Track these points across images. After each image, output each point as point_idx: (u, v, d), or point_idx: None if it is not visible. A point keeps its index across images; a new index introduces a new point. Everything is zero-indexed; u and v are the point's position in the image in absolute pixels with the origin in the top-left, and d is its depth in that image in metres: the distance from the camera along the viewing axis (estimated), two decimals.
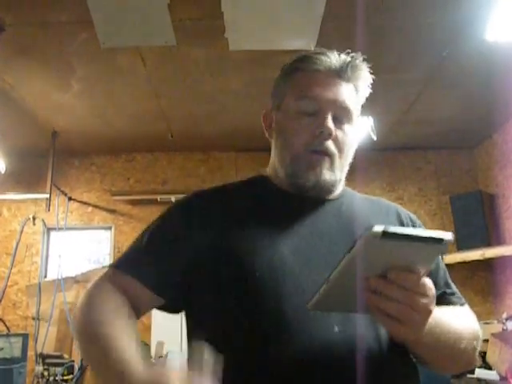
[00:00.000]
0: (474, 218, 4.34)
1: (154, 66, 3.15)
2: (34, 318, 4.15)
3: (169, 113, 3.91)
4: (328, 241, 0.92)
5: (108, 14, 2.53)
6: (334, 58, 0.99)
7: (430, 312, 0.73)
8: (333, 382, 0.78)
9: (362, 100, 1.05)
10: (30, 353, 3.35)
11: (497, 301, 4.46)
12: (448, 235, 0.66)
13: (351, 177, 1.06)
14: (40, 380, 3.05)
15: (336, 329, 0.81)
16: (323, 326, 0.81)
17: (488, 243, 4.22)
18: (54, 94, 3.51)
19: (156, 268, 0.91)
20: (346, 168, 1.03)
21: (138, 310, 0.91)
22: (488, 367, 3.44)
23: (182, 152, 4.82)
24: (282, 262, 0.87)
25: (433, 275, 0.93)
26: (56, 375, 3.06)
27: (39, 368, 3.09)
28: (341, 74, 0.98)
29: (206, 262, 0.89)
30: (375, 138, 3.57)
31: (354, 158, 1.03)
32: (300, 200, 0.98)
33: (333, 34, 2.67)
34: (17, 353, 2.95)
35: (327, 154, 0.95)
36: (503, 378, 3.10)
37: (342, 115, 0.97)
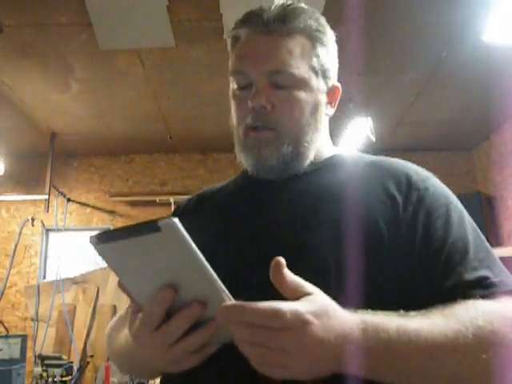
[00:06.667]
0: (472, 220, 4.35)
1: (152, 67, 3.15)
2: (32, 320, 4.16)
3: (167, 114, 3.92)
4: (284, 228, 0.77)
5: (107, 16, 2.54)
6: (267, 13, 0.82)
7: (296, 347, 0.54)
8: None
9: (330, 48, 0.87)
10: (29, 354, 3.35)
11: None
12: (166, 222, 0.55)
13: None
14: (39, 381, 3.05)
15: None
16: None
17: None
18: (53, 96, 3.52)
19: None
20: (312, 135, 0.84)
21: None
22: None
23: (180, 153, 4.83)
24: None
25: (430, 255, 0.73)
26: (55, 376, 3.06)
27: (38, 369, 3.10)
28: (272, 29, 0.81)
29: None
30: (374, 140, 3.57)
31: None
32: (257, 185, 0.85)
33: None
34: (15, 354, 2.96)
35: (267, 128, 0.81)
36: None
37: (281, 80, 0.81)
